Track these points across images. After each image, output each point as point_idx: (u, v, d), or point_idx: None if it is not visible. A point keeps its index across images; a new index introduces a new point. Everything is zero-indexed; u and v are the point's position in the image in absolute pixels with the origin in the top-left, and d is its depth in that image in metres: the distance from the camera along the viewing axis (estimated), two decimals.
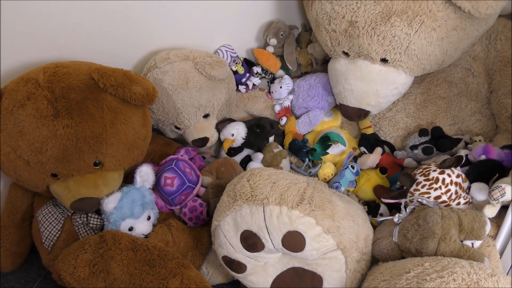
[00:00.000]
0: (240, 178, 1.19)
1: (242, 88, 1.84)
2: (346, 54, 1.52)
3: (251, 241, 1.15)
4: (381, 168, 1.64)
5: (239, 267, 1.22)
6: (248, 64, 1.87)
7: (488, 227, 1.25)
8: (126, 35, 1.56)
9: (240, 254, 1.20)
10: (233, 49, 1.80)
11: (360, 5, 1.39)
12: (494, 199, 1.22)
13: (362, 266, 1.26)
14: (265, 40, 1.87)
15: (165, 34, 1.65)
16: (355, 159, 1.71)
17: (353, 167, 1.59)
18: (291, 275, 1.23)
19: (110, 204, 1.30)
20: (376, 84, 1.52)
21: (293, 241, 1.12)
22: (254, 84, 1.86)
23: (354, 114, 1.61)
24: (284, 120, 1.75)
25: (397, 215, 1.35)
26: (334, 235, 1.14)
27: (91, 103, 1.25)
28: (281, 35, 1.76)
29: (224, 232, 1.19)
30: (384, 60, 1.46)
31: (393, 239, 1.29)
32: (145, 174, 1.40)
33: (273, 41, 1.78)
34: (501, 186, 1.21)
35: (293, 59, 1.86)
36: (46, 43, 1.40)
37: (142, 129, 1.40)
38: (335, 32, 1.48)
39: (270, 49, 1.81)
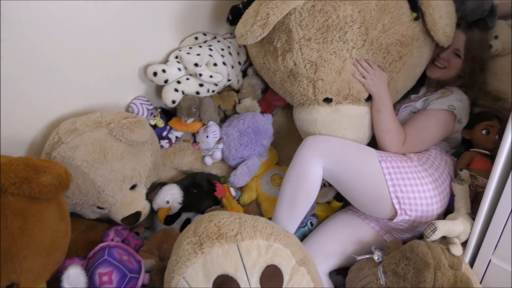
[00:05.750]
0: (200, 222, 1.08)
1: (164, 142, 1.64)
2: (329, 100, 1.44)
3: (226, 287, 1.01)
4: (336, 197, 1.59)
5: None
6: (167, 114, 1.67)
7: (463, 262, 1.29)
8: (13, 106, 1.29)
9: None
10: (148, 101, 1.60)
11: (351, 49, 1.35)
12: (427, 237, 1.24)
13: None
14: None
15: (62, 97, 1.41)
16: None
17: (312, 224, 1.53)
18: None
19: None
20: (365, 127, 1.47)
21: (272, 277, 1.03)
22: (177, 137, 1.67)
23: None
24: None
25: (376, 253, 1.28)
26: (308, 269, 1.08)
27: None
28: (194, 108, 1.61)
29: (192, 285, 1.02)
30: (369, 98, 1.44)
31: (381, 282, 1.21)
32: (74, 278, 1.16)
33: (190, 120, 1.62)
34: (431, 223, 1.25)
35: (215, 117, 1.70)
36: None
37: (60, 224, 1.17)
38: (322, 81, 1.40)
39: (190, 120, 1.64)
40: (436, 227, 1.24)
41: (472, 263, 1.36)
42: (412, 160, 1.37)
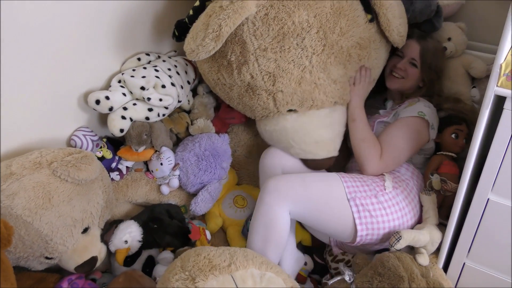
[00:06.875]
0: (186, 257, 1.05)
1: (114, 175, 1.50)
2: (294, 111, 1.39)
3: None
4: None
5: None
6: (113, 143, 1.53)
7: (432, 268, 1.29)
8: None
9: None
10: (91, 131, 1.46)
11: (311, 55, 1.30)
12: (391, 246, 1.23)
13: None
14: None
15: None
16: None
17: None
18: None
19: None
20: (336, 123, 1.44)
21: None
22: (127, 167, 1.54)
23: (326, 164, 1.48)
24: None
25: (346, 273, 1.26)
26: None
27: None
28: (145, 135, 1.49)
29: None
30: (336, 102, 1.42)
31: None
32: None
33: (142, 148, 1.50)
34: (396, 232, 1.25)
35: (168, 142, 1.58)
36: None
37: (5, 285, 1.02)
38: (282, 93, 1.34)
39: (141, 149, 1.52)
40: (400, 236, 1.22)
41: (446, 267, 1.35)
42: (384, 193, 1.33)
